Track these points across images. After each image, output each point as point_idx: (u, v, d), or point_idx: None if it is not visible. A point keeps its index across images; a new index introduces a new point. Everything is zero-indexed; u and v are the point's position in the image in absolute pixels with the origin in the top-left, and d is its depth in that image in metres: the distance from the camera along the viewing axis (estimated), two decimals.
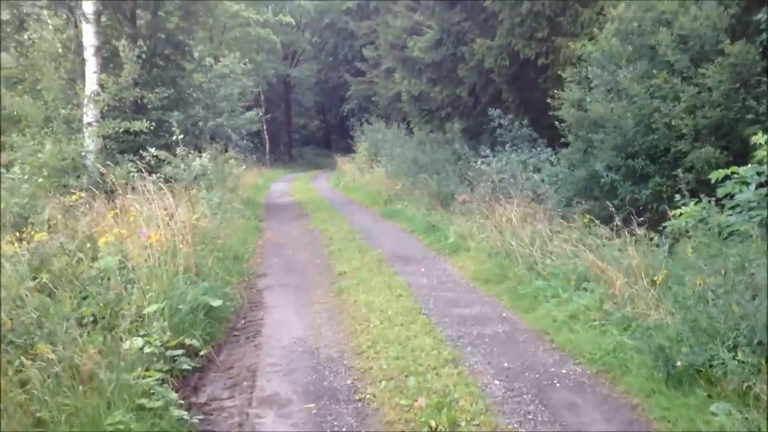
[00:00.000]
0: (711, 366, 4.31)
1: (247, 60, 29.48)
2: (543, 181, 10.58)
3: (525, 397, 4.57)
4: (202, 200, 10.30)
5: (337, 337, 6.28)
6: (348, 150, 33.51)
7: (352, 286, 8.17)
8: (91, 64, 11.50)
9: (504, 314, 6.74)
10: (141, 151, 10.29)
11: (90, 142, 10.74)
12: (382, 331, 6.19)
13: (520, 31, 14.33)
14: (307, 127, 58.32)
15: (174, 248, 7.03)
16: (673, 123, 8.79)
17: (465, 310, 6.94)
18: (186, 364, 5.33)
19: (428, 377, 4.92)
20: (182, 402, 4.62)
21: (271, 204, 20.15)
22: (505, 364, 5.22)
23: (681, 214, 6.10)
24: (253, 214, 15.85)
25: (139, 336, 5.29)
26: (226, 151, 24.84)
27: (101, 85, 11.21)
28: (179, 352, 5.38)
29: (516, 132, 14.20)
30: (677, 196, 7.99)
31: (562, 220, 8.33)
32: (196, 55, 21.27)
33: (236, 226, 12.58)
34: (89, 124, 10.93)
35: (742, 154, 8.10)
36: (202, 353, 5.65)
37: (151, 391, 4.48)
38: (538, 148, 13.47)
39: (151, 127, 11.01)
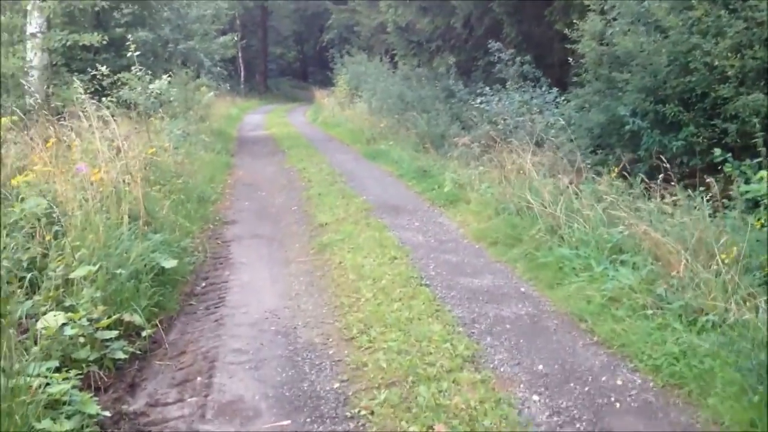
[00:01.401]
0: None
1: None
2: (553, 124, 9.26)
3: (578, 425, 3.37)
4: (164, 131, 8.84)
5: (319, 312, 5.02)
6: (327, 83, 31.86)
7: (335, 242, 6.89)
8: None
9: (523, 289, 5.53)
10: (89, 70, 8.76)
11: (33, 57, 9.13)
12: (376, 308, 4.95)
13: None
14: (284, 57, 56.01)
15: (119, 190, 5.66)
16: (715, 63, 7.50)
17: (474, 281, 5.72)
18: (121, 352, 4.05)
19: (443, 386, 3.70)
20: (108, 414, 3.36)
21: (244, 137, 18.64)
22: (540, 367, 4.01)
23: (761, 178, 4.86)
24: (223, 148, 14.38)
25: (62, 311, 4.01)
26: (198, 77, 23.17)
27: None
28: (113, 333, 4.10)
29: (518, 69, 12.77)
30: (717, 150, 6.88)
31: (591, 174, 7.05)
32: None
33: (203, 162, 11.17)
34: (33, 35, 9.27)
35: None
36: (145, 333, 4.36)
37: (64, 399, 3.22)
38: (543, 88, 12.10)
39: (104, 42, 9.37)
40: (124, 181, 5.76)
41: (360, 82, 22.22)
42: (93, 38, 9.21)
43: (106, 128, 6.69)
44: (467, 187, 9.03)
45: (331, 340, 4.49)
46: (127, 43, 7.12)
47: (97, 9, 13.57)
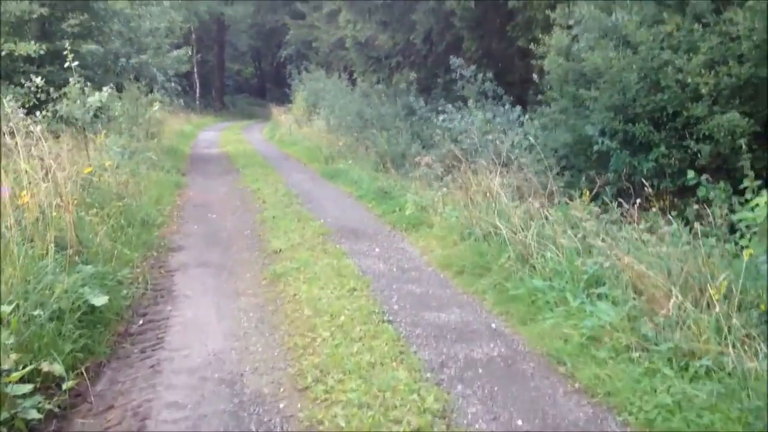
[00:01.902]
0: None
1: None
2: (518, 144, 8.89)
3: None
4: (106, 148, 8.21)
5: (270, 355, 4.49)
6: (284, 100, 31.36)
7: (290, 271, 6.36)
8: None
9: (494, 325, 5.08)
10: (23, 82, 8.09)
11: None
12: (334, 350, 4.43)
13: None
14: (241, 73, 55.39)
15: (46, 215, 5.05)
16: (687, 80, 7.23)
17: (441, 316, 5.25)
18: (36, 411, 3.46)
19: None
20: None
21: (197, 155, 17.97)
22: (520, 422, 3.55)
23: (757, 205, 4.50)
24: (174, 167, 13.75)
25: None
26: (151, 92, 22.46)
27: None
28: (28, 388, 3.52)
29: (479, 86, 12.43)
30: (690, 173, 6.58)
31: (562, 198, 6.64)
32: None
33: (151, 182, 10.54)
34: None
35: None
36: (66, 386, 3.78)
37: None
38: (506, 106, 11.78)
39: (41, 52, 8.68)
40: (52, 205, 5.14)
41: (318, 99, 21.80)
42: (30, 48, 8.54)
43: (36, 146, 6.09)
44: (430, 210, 8.61)
45: (282, 390, 3.96)
46: (64, 52, 6.50)
47: (35, 16, 12.88)
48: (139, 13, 21.53)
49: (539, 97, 10.36)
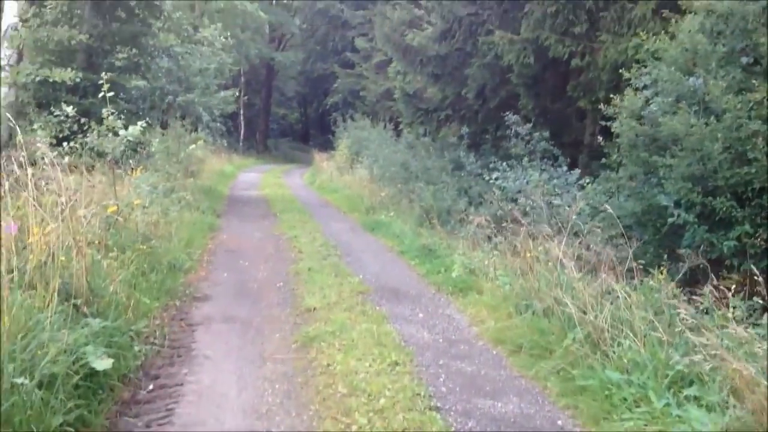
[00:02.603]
0: None
1: (228, 34, 26.90)
2: (582, 210, 8.15)
3: None
4: (137, 184, 7.68)
5: None
6: (327, 146, 31.13)
7: (324, 335, 5.66)
8: None
9: (560, 421, 4.30)
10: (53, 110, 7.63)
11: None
12: None
13: (553, 24, 11.98)
14: (287, 118, 55.73)
15: (55, 258, 4.44)
16: None
17: (497, 405, 4.48)
18: None
19: None
20: None
21: (235, 197, 17.51)
22: None
23: None
24: (210, 207, 13.24)
25: None
26: (195, 131, 22.34)
27: (23, 19, 8.38)
28: None
29: (535, 145, 11.77)
30: None
31: (639, 276, 5.86)
32: (167, 9, 18.67)
33: (183, 222, 10.00)
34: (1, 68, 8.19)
35: None
36: None
37: None
38: (562, 168, 11.08)
39: (77, 79, 8.26)
40: (62, 246, 4.54)
41: (362, 147, 21.41)
42: (65, 75, 8.12)
43: (59, 179, 5.55)
44: (479, 274, 7.88)
45: None
46: (100, 82, 6.02)
47: (76, 43, 12.66)
48: (189, 51, 21.53)
49: (600, 160, 9.64)
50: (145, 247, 6.34)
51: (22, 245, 4.39)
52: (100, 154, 7.01)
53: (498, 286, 7.17)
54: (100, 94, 13.36)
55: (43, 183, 5.03)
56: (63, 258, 4.33)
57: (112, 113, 6.25)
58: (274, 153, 43.46)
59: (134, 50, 14.70)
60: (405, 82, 20.45)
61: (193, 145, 20.40)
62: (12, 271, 4.03)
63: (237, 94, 29.62)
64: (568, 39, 11.86)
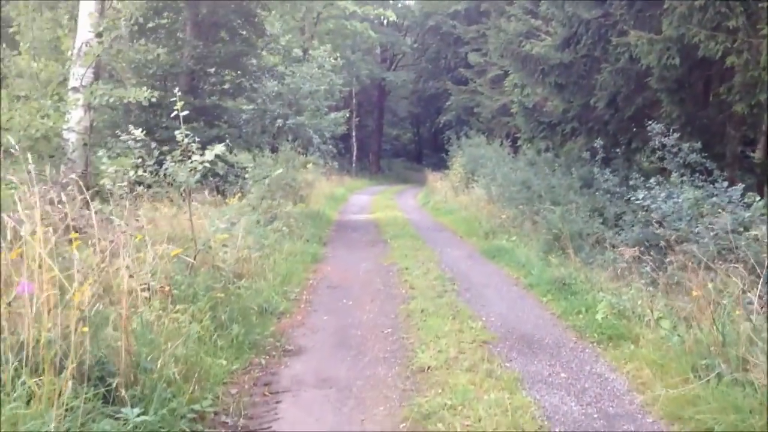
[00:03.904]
0: None
1: (338, 55, 26.36)
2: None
3: None
4: (216, 217, 6.63)
5: None
6: (440, 165, 30.02)
7: (442, 410, 4.36)
8: (88, 1, 7.84)
9: None
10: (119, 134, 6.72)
11: (74, 115, 7.29)
12: None
13: (702, 19, 10.23)
14: (399, 138, 55.06)
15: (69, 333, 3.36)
16: None
17: None
18: None
19: None
20: None
21: (343, 222, 16.56)
22: None
23: None
24: (315, 235, 12.29)
25: None
26: (306, 154, 21.80)
27: (99, 34, 7.62)
28: None
29: (684, 157, 10.00)
30: None
31: None
32: (275, 32, 18.17)
33: (283, 254, 9.03)
34: (75, 89, 7.48)
35: None
36: None
37: None
38: (719, 183, 9.28)
39: (153, 99, 7.39)
40: (96, 307, 3.48)
41: (477, 165, 20.10)
42: (140, 94, 7.26)
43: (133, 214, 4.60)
44: (632, 317, 6.36)
45: None
46: (172, 99, 5.11)
47: (178, 71, 12.11)
48: (295, 71, 20.99)
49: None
50: (224, 294, 5.28)
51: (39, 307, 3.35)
52: (171, 184, 6.07)
53: (662, 337, 5.63)
54: (204, 120, 12.92)
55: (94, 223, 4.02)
56: (84, 328, 3.21)
57: (188, 135, 5.29)
58: (387, 173, 42.76)
59: (237, 72, 14.12)
60: (524, 95, 19.06)
61: (307, 169, 19.83)
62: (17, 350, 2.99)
63: (348, 115, 29.03)
64: (722, 34, 10.08)
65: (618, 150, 14.57)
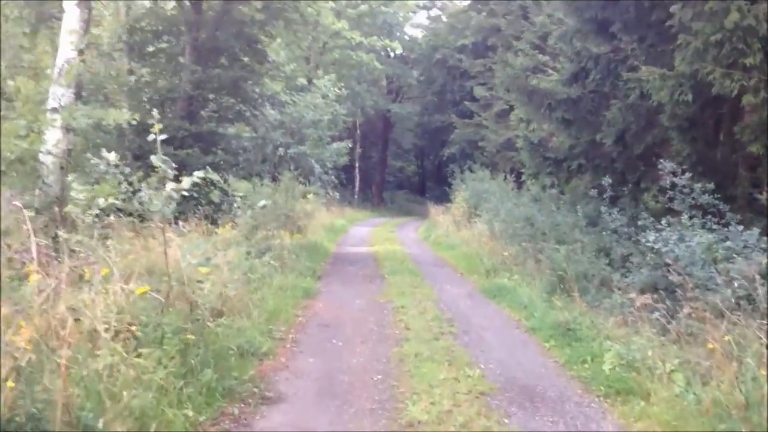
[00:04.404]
0: None
1: (342, 85, 26.13)
2: None
3: None
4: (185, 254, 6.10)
5: None
6: (443, 199, 29.65)
7: None
8: (72, 17, 7.43)
9: None
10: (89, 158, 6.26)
11: (51, 136, 6.87)
12: None
13: (717, 55, 9.87)
14: (403, 170, 54.82)
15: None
16: None
17: None
18: None
19: None
20: None
21: (341, 255, 16.10)
22: None
23: None
24: (310, 268, 11.83)
25: None
26: (307, 183, 21.42)
27: (80, 52, 7.20)
28: None
29: (696, 198, 9.55)
30: None
31: None
32: (280, 60, 17.91)
33: (272, 289, 8.57)
34: (54, 109, 7.07)
35: None
36: None
37: None
38: (733, 226, 8.82)
39: (133, 122, 6.97)
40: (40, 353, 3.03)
41: (480, 200, 19.72)
42: (120, 116, 6.84)
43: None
44: (642, 369, 5.87)
45: None
46: (150, 121, 4.69)
47: (179, 96, 11.79)
48: (296, 99, 20.73)
49: None
50: (195, 335, 4.80)
51: None
52: (143, 214, 5.58)
53: (676, 394, 5.15)
54: (200, 146, 12.53)
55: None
56: (10, 383, 2.75)
57: (165, 160, 4.85)
58: (389, 206, 42.38)
59: (237, 98, 13.80)
60: (529, 129, 18.73)
61: (303, 198, 19.41)
62: None
63: (350, 145, 28.69)
64: (738, 72, 9.71)
65: (625, 188, 14.15)
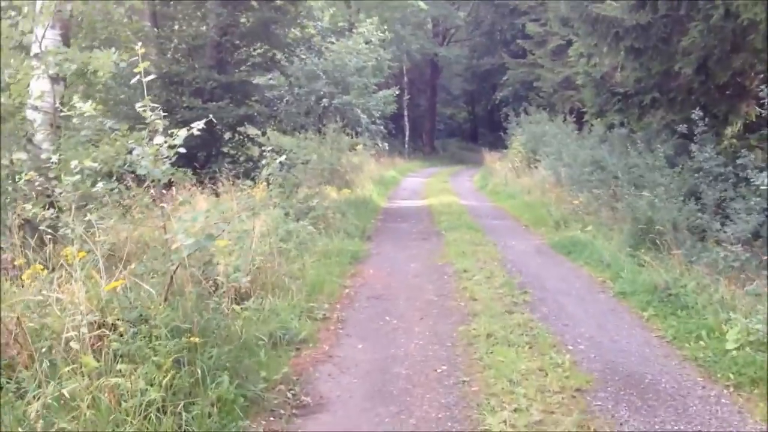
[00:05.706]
0: None
1: (386, 28, 24.61)
2: None
3: None
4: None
5: None
6: (497, 145, 28.13)
7: None
8: None
9: None
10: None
11: (34, 86, 5.75)
12: None
13: None
14: (454, 117, 53.02)
15: None
16: None
17: None
18: None
19: None
20: None
21: (392, 210, 14.88)
22: None
23: None
24: (359, 228, 10.66)
25: None
26: (355, 135, 20.23)
27: None
28: None
29: None
30: None
31: None
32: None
33: (313, 256, 7.47)
34: (36, 55, 5.91)
35: None
36: None
37: None
38: None
39: (121, 63, 5.76)
40: None
41: (539, 144, 18.20)
42: (107, 57, 5.63)
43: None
44: None
45: None
46: (135, 69, 3.55)
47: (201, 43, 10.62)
48: (333, 42, 19.36)
49: None
50: (198, 338, 3.65)
51: None
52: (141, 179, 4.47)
53: None
54: (230, 98, 11.38)
55: None
56: None
57: (154, 109, 3.68)
58: (441, 154, 40.87)
59: (269, 44, 12.56)
60: (590, 65, 16.98)
61: (351, 151, 18.24)
62: None
63: (398, 93, 27.20)
64: None
65: (707, 123, 12.50)
